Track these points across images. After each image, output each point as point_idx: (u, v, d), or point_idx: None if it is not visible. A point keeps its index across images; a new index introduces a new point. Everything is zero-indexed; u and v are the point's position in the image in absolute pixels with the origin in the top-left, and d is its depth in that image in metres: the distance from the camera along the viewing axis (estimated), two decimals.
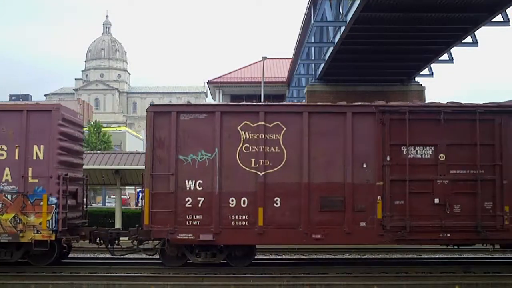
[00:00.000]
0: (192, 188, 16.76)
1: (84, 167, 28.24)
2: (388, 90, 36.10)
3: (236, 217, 16.75)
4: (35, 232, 16.59)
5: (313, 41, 34.77)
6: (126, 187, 39.82)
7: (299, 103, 17.98)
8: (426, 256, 21.85)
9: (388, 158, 16.84)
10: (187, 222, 16.67)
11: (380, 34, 28.08)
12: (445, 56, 33.07)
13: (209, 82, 60.58)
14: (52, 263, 17.37)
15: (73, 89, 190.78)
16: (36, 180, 16.70)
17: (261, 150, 16.84)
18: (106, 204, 66.37)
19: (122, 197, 34.09)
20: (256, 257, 20.90)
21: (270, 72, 57.48)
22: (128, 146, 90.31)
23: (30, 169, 16.72)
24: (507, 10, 26.04)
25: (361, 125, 17.02)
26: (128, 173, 29.55)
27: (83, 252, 21.73)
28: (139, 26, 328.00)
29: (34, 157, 16.76)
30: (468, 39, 29.71)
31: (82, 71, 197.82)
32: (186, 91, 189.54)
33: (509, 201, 16.82)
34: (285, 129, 16.91)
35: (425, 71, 36.35)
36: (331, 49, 31.17)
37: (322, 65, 35.09)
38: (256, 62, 59.97)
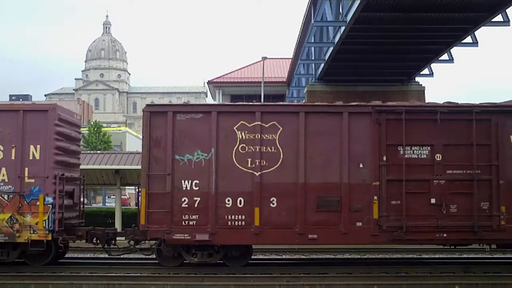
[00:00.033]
0: (188, 188, 16.87)
1: (84, 167, 28.53)
2: (388, 90, 36.23)
3: (233, 217, 16.83)
4: (32, 232, 16.70)
5: (313, 41, 34.90)
6: (126, 187, 40.03)
7: (295, 103, 18.01)
8: (426, 256, 21.94)
9: (384, 158, 16.94)
10: (183, 222, 16.77)
11: (380, 34, 28.19)
12: (445, 56, 33.20)
13: (209, 82, 60.75)
14: (48, 263, 17.48)
15: (73, 89, 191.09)
16: (33, 180, 16.81)
17: (258, 150, 16.93)
18: (106, 204, 66.61)
19: (122, 197, 34.27)
20: (256, 257, 21.11)
21: (270, 72, 57.63)
22: (128, 146, 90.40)
23: (26, 169, 16.84)
24: (507, 10, 26.15)
25: (357, 125, 17.11)
26: (128, 173, 29.71)
27: (83, 252, 21.85)
28: (139, 26, 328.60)
29: (31, 157, 16.87)
30: (468, 39, 29.83)
31: (82, 71, 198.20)
32: (186, 91, 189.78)
33: (506, 201, 16.91)
34: (281, 129, 17.01)
35: (425, 71, 36.47)
36: (331, 49, 31.29)
37: (322, 65, 35.22)
38: (256, 62, 60.13)
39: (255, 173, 16.90)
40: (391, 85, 37.05)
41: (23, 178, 16.80)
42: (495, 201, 16.95)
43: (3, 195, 16.80)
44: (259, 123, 17.00)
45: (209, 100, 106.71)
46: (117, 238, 18.23)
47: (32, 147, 16.89)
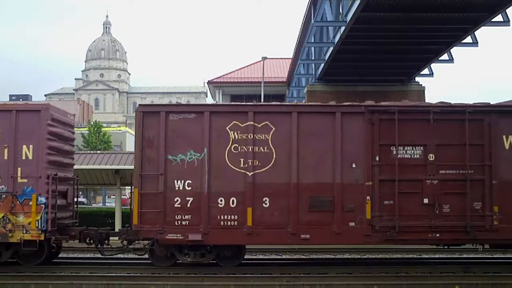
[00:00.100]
0: (181, 188, 17.10)
1: (85, 167, 28.90)
2: (388, 90, 36.49)
3: (225, 217, 17.07)
4: (24, 232, 16.93)
5: (313, 41, 35.16)
6: (126, 187, 40.22)
7: (288, 103, 18.23)
8: (426, 256, 22.15)
9: (377, 158, 17.16)
10: (176, 222, 17.00)
11: (380, 34, 28.42)
12: (445, 56, 33.45)
13: (209, 82, 61.02)
14: (42, 263, 17.71)
15: (73, 89, 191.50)
16: (25, 180, 17.04)
17: (250, 150, 17.16)
18: (106, 204, 66.99)
19: (122, 197, 34.58)
20: (256, 257, 21.49)
21: (270, 72, 57.87)
22: (128, 146, 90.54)
23: (19, 169, 17.08)
24: (507, 10, 26.37)
25: (350, 125, 17.33)
26: (128, 173, 29.88)
27: (83, 252, 22.06)
28: (139, 26, 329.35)
29: (23, 157, 17.11)
30: (468, 39, 30.08)
31: (82, 71, 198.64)
32: (186, 91, 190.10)
33: (499, 201, 17.12)
34: (274, 129, 17.23)
35: (425, 71, 36.73)
36: (331, 49, 31.53)
37: (322, 65, 35.47)
38: (256, 62, 60.40)
39: (248, 173, 17.12)
40: (391, 85, 37.30)
41: (15, 178, 17.03)
42: (488, 201, 17.16)
43: None
44: (252, 123, 17.22)
45: (209, 100, 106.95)
46: (111, 238, 18.44)
47: (25, 147, 17.12)
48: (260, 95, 46.90)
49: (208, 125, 17.20)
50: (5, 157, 17.13)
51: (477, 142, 17.32)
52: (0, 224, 16.97)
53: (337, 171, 17.16)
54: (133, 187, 17.37)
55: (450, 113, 17.53)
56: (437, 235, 17.19)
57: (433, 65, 36.03)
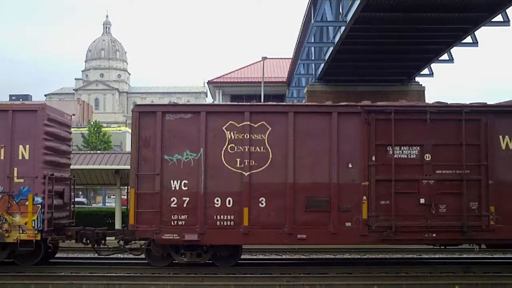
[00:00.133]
0: (177, 188, 17.22)
1: (85, 167, 29.05)
2: (388, 90, 36.66)
3: (221, 217, 17.18)
4: (21, 232, 17.06)
5: (313, 41, 35.31)
6: (126, 187, 40.50)
7: (284, 103, 18.36)
8: (426, 256, 22.27)
9: (373, 158, 17.27)
10: (172, 222, 17.12)
11: (380, 34, 28.57)
12: (445, 56, 33.60)
13: (209, 82, 61.24)
14: (38, 263, 17.84)
15: (73, 89, 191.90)
16: (22, 180, 17.16)
17: (247, 150, 17.27)
18: (106, 204, 67.20)
19: (122, 197, 34.77)
20: (256, 257, 21.65)
21: (270, 72, 58.05)
22: (128, 146, 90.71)
23: (15, 169, 17.20)
24: (507, 10, 26.49)
25: (346, 125, 17.44)
26: (128, 173, 30.13)
27: (83, 252, 22.19)
28: (139, 26, 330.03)
29: (20, 157, 17.24)
30: (468, 39, 30.22)
31: (82, 71, 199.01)
32: (186, 91, 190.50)
33: (495, 201, 17.24)
34: (270, 129, 17.34)
35: (425, 71, 36.90)
36: (331, 49, 31.68)
37: (322, 65, 35.63)
38: (256, 62, 60.62)
39: (244, 173, 17.24)
40: (391, 85, 37.46)
41: (12, 178, 17.16)
42: (484, 201, 17.27)
43: None
44: (248, 123, 17.33)
45: (209, 100, 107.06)
46: (108, 238, 18.56)
47: (21, 147, 17.25)
48: (260, 95, 47.05)
49: (204, 125, 17.30)
50: (2, 157, 17.24)
51: (473, 142, 17.43)
52: None
53: (334, 171, 17.26)
54: (129, 187, 17.49)
55: (446, 113, 17.64)
56: (434, 235, 17.30)
57: (433, 65, 36.18)
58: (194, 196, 17.20)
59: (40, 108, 17.54)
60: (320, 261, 20.77)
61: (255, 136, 17.35)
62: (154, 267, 17.74)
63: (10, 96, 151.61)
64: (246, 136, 17.32)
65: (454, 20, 26.52)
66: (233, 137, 17.36)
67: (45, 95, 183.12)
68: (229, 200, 17.24)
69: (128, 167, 28.35)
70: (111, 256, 19.22)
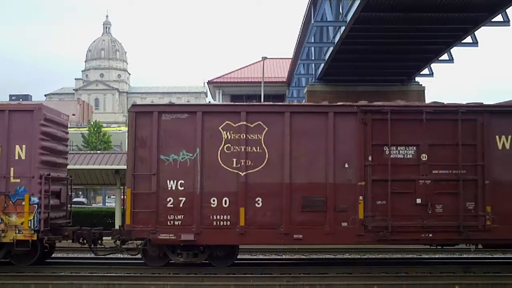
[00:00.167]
0: (173, 188, 17.34)
1: (84, 167, 29.22)
2: (388, 90, 36.82)
3: (218, 217, 17.30)
4: (17, 232, 17.17)
5: (313, 41, 35.48)
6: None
7: (280, 103, 18.49)
8: (426, 256, 22.38)
9: (370, 158, 17.38)
10: (168, 222, 17.24)
11: (380, 34, 28.72)
12: (445, 56, 33.76)
13: (209, 82, 61.45)
14: (35, 263, 17.96)
15: (73, 89, 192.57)
16: (18, 180, 17.28)
17: (243, 150, 17.38)
18: (106, 204, 67.43)
19: (123, 197, 35.11)
20: (256, 257, 21.83)
21: (270, 72, 58.24)
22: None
23: (12, 169, 17.30)
24: (507, 10, 26.64)
25: (343, 125, 17.55)
26: None
27: (83, 252, 22.27)
28: (139, 26, 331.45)
29: (16, 157, 17.34)
30: (468, 39, 30.38)
31: (82, 71, 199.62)
32: (186, 91, 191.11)
33: (491, 201, 17.35)
34: (266, 129, 17.46)
35: (425, 71, 37.05)
36: (331, 49, 31.83)
37: (322, 65, 35.78)
38: (256, 62, 60.84)
39: (240, 173, 17.36)
40: (391, 85, 37.62)
41: (8, 178, 17.26)
42: (481, 201, 17.39)
43: None
44: (244, 123, 17.44)
45: (209, 100, 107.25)
46: (105, 238, 18.67)
47: (17, 147, 17.35)
48: (260, 95, 47.19)
49: (200, 125, 17.41)
50: None
51: (470, 142, 17.54)
52: None
53: (330, 171, 17.38)
54: (125, 187, 17.62)
55: (443, 113, 17.75)
56: (430, 235, 17.41)
57: (433, 65, 36.33)
58: (191, 196, 17.31)
59: (37, 108, 17.65)
60: (320, 261, 20.88)
61: (252, 136, 17.47)
62: (151, 267, 17.85)
63: (10, 96, 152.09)
64: (243, 136, 17.43)
65: (454, 20, 26.65)
66: (229, 137, 17.47)
67: (45, 95, 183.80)
68: (225, 200, 17.35)
69: None
70: (111, 256, 19.38)
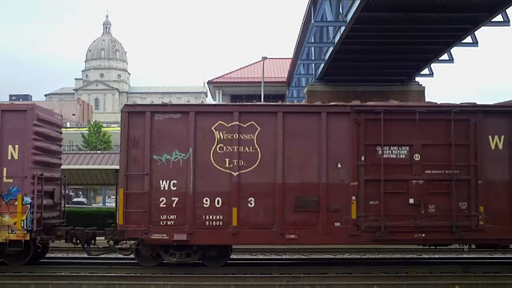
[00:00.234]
0: (166, 188, 17.57)
1: (84, 167, 29.50)
2: (388, 90, 36.99)
3: (210, 217, 17.53)
4: (10, 232, 17.41)
5: (313, 41, 35.73)
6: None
7: (273, 103, 18.68)
8: (426, 256, 22.60)
9: (362, 158, 17.61)
10: (161, 222, 17.46)
11: (380, 34, 28.94)
12: (445, 56, 33.97)
13: (209, 82, 61.77)
14: (28, 263, 18.23)
15: (73, 89, 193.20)
16: (11, 180, 17.52)
17: (235, 150, 17.61)
18: (106, 204, 67.61)
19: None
20: (256, 257, 22.11)
21: (270, 72, 58.51)
22: None
23: (4, 169, 17.55)
24: (507, 10, 26.84)
25: (336, 125, 17.77)
26: None
27: (83, 252, 22.29)
28: (139, 26, 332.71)
29: (9, 157, 17.59)
30: (468, 39, 30.59)
31: (82, 71, 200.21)
32: (186, 91, 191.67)
33: (484, 201, 17.59)
34: (259, 129, 17.69)
35: (425, 71, 37.27)
36: (331, 49, 32.06)
37: (322, 65, 36.02)
38: (256, 62, 61.15)
39: (233, 173, 17.59)
40: (391, 85, 37.85)
41: (1, 178, 17.49)
42: (474, 201, 17.62)
43: None
44: (237, 123, 17.67)
45: (209, 100, 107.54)
46: (98, 238, 18.90)
47: (10, 147, 17.60)
48: (260, 95, 47.41)
49: (193, 125, 17.63)
50: None
51: (462, 142, 17.76)
52: None
53: (323, 171, 17.60)
54: (118, 187, 17.84)
55: (436, 113, 17.98)
56: (423, 235, 17.63)
57: (433, 65, 36.55)
58: (183, 196, 17.53)
59: (29, 108, 17.89)
60: (320, 261, 21.12)
61: (244, 136, 17.69)
62: (144, 267, 18.09)
63: (10, 96, 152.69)
64: (235, 136, 17.65)
65: (454, 20, 26.85)
66: (222, 137, 17.69)
67: (45, 95, 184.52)
68: (218, 200, 17.58)
69: None
70: (111, 256, 19.63)
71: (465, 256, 22.29)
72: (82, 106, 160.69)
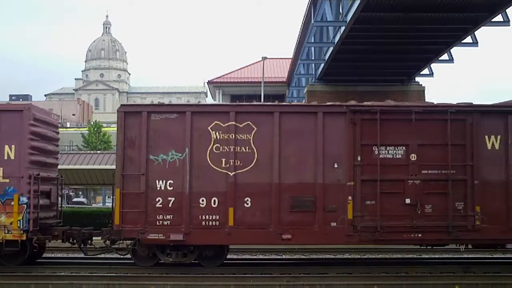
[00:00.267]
0: (162, 188, 17.70)
1: (85, 167, 29.64)
2: (388, 90, 37.13)
3: (207, 217, 17.64)
4: (6, 232, 17.52)
5: (313, 41, 35.89)
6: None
7: (269, 103, 18.79)
8: (426, 256, 22.72)
9: (359, 158, 17.73)
10: (157, 222, 17.58)
11: (380, 34, 29.09)
12: (445, 56, 34.11)
13: (209, 82, 61.97)
14: (24, 263, 18.39)
15: (73, 89, 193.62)
16: (7, 180, 17.65)
17: (232, 150, 17.73)
18: (106, 204, 67.81)
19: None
20: (256, 257, 22.24)
21: (270, 72, 58.71)
22: None
23: (1, 169, 17.66)
24: (507, 10, 26.98)
25: (332, 125, 17.88)
26: None
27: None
28: (139, 26, 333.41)
29: (5, 157, 17.72)
30: (468, 39, 30.73)
31: (82, 71, 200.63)
32: (186, 91, 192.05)
33: (480, 201, 17.70)
34: (256, 129, 17.81)
35: (425, 71, 37.41)
36: (331, 49, 32.22)
37: (322, 65, 36.17)
38: (256, 62, 61.38)
39: (229, 173, 17.72)
40: (391, 85, 37.99)
41: None
42: (470, 201, 17.73)
43: None
44: (234, 123, 17.79)
45: (209, 100, 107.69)
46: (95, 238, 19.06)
47: (7, 147, 17.73)
48: (260, 95, 47.60)
49: (189, 125, 17.75)
50: None
51: (459, 142, 17.87)
52: None
53: (319, 171, 17.72)
54: (114, 187, 17.97)
55: (432, 113, 18.10)
56: (419, 235, 17.74)
57: (433, 65, 36.68)
58: (179, 196, 17.64)
59: (26, 108, 18.01)
60: (320, 261, 21.24)
61: (241, 136, 17.80)
62: (141, 267, 18.22)
63: (10, 96, 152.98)
64: (232, 136, 17.76)
65: (454, 20, 26.98)
66: (218, 137, 17.80)
67: (45, 95, 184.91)
68: (214, 200, 17.70)
69: None
70: (111, 256, 19.71)
71: (465, 256, 22.42)
72: (82, 106, 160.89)
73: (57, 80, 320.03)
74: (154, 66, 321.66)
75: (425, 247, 20.41)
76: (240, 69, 63.63)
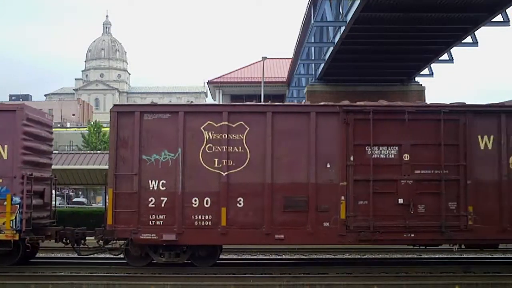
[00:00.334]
0: (155, 188, 17.95)
1: (85, 167, 29.90)
2: (388, 90, 37.53)
3: (199, 217, 17.89)
4: None
5: (313, 41, 36.30)
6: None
7: (262, 103, 19.01)
8: (426, 256, 22.95)
9: (352, 158, 17.96)
10: (150, 222, 17.83)
11: (380, 34, 29.49)
12: (445, 56, 34.50)
13: (209, 82, 62.32)
14: (17, 263, 18.64)
15: (73, 89, 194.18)
16: (0, 180, 17.87)
17: (224, 150, 17.96)
18: (106, 204, 68.05)
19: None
20: (256, 257, 22.49)
21: (270, 72, 59.03)
22: None
23: None
24: (507, 10, 27.37)
25: (325, 125, 18.11)
26: None
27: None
28: (139, 26, 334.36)
29: None
30: (468, 39, 31.13)
31: (82, 71, 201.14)
32: (186, 91, 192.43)
33: (473, 201, 17.94)
34: (248, 129, 18.05)
35: (425, 71, 37.79)
36: (331, 49, 32.60)
37: (322, 65, 36.56)
38: (256, 62, 61.75)
39: (222, 173, 17.96)
40: (391, 85, 38.35)
41: None
42: (463, 201, 17.97)
43: None
44: (226, 123, 18.02)
45: (209, 100, 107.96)
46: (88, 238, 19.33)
47: None
48: (260, 95, 47.90)
49: (182, 125, 17.98)
50: None
51: (452, 142, 18.10)
52: None
53: (312, 171, 17.95)
54: (107, 187, 18.19)
55: (425, 113, 18.33)
56: (412, 235, 17.97)
57: (433, 65, 37.03)
58: (172, 196, 17.88)
59: (19, 108, 18.26)
60: (320, 261, 21.47)
61: (233, 136, 18.03)
62: (133, 267, 18.45)
63: (10, 96, 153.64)
64: (224, 136, 17.99)
65: (454, 20, 27.30)
66: (211, 137, 18.04)
67: (45, 95, 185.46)
68: (207, 200, 17.94)
69: None
70: (111, 256, 19.83)
71: (465, 256, 22.76)
72: (82, 106, 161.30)
73: (57, 80, 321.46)
74: (154, 66, 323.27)
75: (425, 247, 20.69)
76: (240, 69, 64.04)
